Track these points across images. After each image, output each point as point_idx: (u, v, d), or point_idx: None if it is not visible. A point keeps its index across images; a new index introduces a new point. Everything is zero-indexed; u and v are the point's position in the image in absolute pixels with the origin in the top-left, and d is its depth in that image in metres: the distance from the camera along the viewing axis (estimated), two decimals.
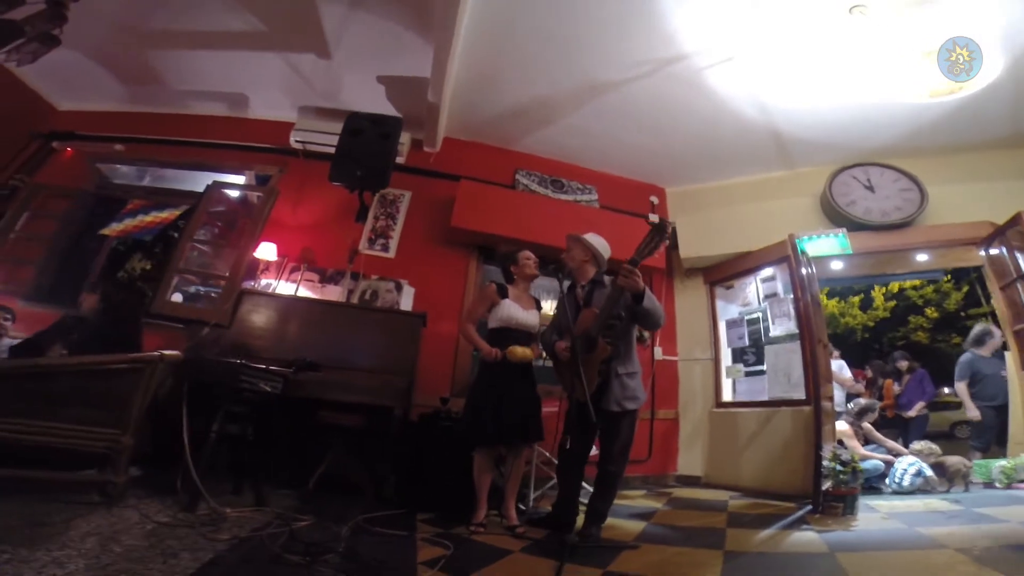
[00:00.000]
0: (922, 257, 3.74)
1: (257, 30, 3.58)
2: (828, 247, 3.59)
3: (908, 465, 3.38)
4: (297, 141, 4.17)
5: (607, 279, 2.52)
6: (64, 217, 3.84)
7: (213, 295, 3.63)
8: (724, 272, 4.33)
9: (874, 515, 2.64)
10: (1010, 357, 3.44)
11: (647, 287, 2.31)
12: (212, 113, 4.42)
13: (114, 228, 4.07)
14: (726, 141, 4.13)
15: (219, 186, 3.77)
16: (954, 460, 3.25)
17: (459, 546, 2.12)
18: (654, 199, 4.71)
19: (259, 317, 3.40)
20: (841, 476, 2.59)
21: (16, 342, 2.90)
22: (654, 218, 4.45)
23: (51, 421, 2.04)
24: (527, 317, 2.70)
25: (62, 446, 2.06)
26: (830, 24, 2.99)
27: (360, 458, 2.93)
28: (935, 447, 3.45)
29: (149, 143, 4.26)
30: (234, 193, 4.01)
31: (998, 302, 3.53)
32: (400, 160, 4.08)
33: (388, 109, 4.15)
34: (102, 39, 3.77)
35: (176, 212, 4.24)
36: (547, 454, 3.22)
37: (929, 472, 3.30)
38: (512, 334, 2.64)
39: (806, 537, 2.29)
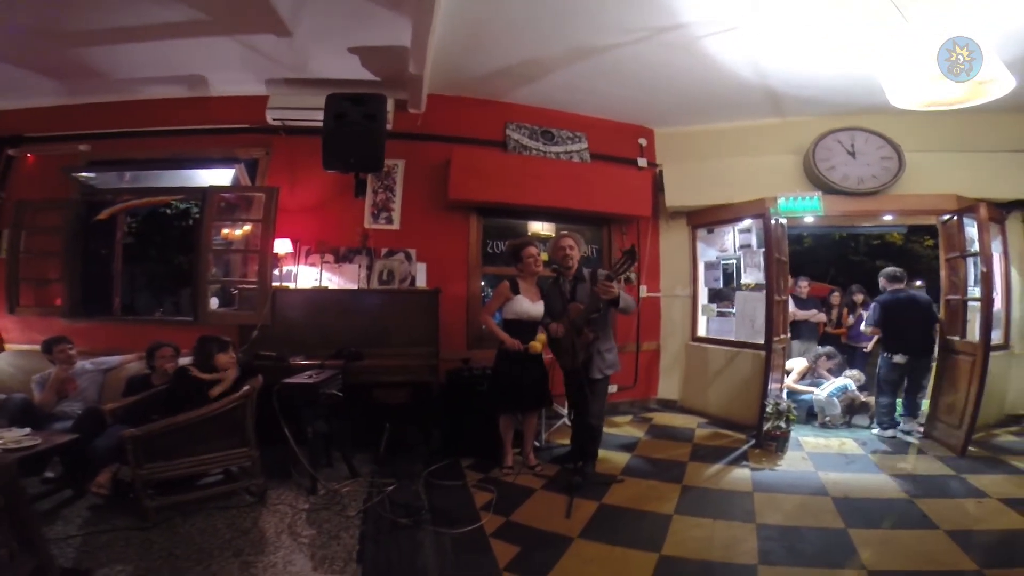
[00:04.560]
0: (888, 218, 4.69)
1: (194, 19, 3.60)
2: (802, 208, 4.51)
3: (838, 380, 4.97)
4: (275, 119, 4.50)
5: (586, 272, 3.64)
6: (64, 229, 4.36)
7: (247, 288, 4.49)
8: (706, 218, 5.29)
9: (798, 454, 4.04)
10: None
11: (620, 291, 3.37)
12: (173, 95, 4.57)
13: (104, 212, 4.67)
14: (718, 94, 4.66)
15: (216, 190, 4.34)
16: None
17: (499, 489, 3.43)
18: (642, 141, 5.35)
19: (295, 312, 4.41)
20: (777, 422, 4.01)
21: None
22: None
23: (203, 455, 3.22)
24: (535, 309, 3.74)
25: (217, 470, 3.29)
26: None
27: (410, 421, 4.28)
28: (861, 375, 5.03)
29: (115, 137, 4.53)
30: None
31: (943, 267, 4.60)
32: (387, 126, 4.50)
33: (365, 75, 4.46)
34: (3, 46, 3.82)
35: (168, 198, 4.82)
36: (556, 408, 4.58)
37: (852, 388, 4.85)
38: (524, 324, 3.72)
39: (741, 475, 3.67)
